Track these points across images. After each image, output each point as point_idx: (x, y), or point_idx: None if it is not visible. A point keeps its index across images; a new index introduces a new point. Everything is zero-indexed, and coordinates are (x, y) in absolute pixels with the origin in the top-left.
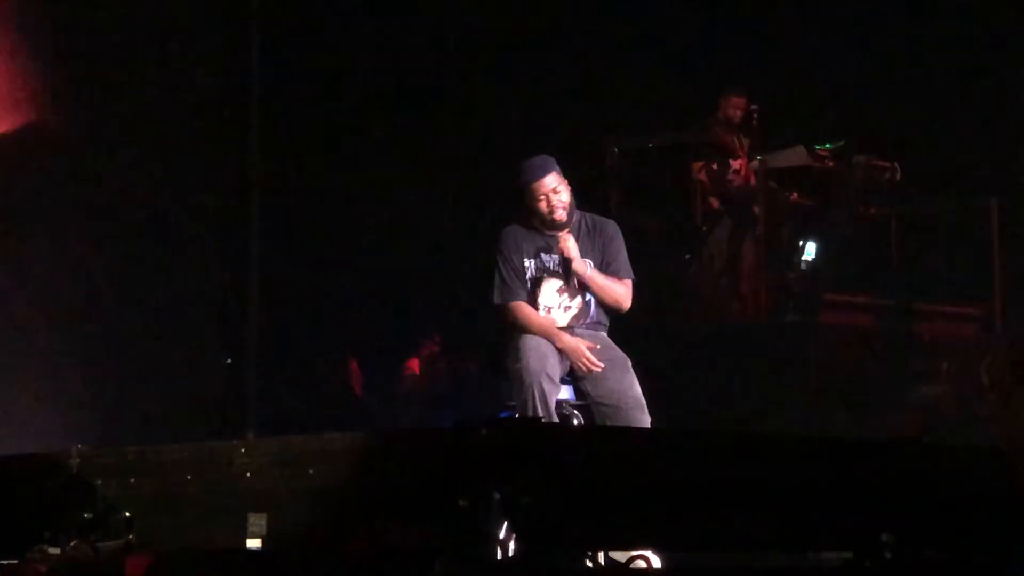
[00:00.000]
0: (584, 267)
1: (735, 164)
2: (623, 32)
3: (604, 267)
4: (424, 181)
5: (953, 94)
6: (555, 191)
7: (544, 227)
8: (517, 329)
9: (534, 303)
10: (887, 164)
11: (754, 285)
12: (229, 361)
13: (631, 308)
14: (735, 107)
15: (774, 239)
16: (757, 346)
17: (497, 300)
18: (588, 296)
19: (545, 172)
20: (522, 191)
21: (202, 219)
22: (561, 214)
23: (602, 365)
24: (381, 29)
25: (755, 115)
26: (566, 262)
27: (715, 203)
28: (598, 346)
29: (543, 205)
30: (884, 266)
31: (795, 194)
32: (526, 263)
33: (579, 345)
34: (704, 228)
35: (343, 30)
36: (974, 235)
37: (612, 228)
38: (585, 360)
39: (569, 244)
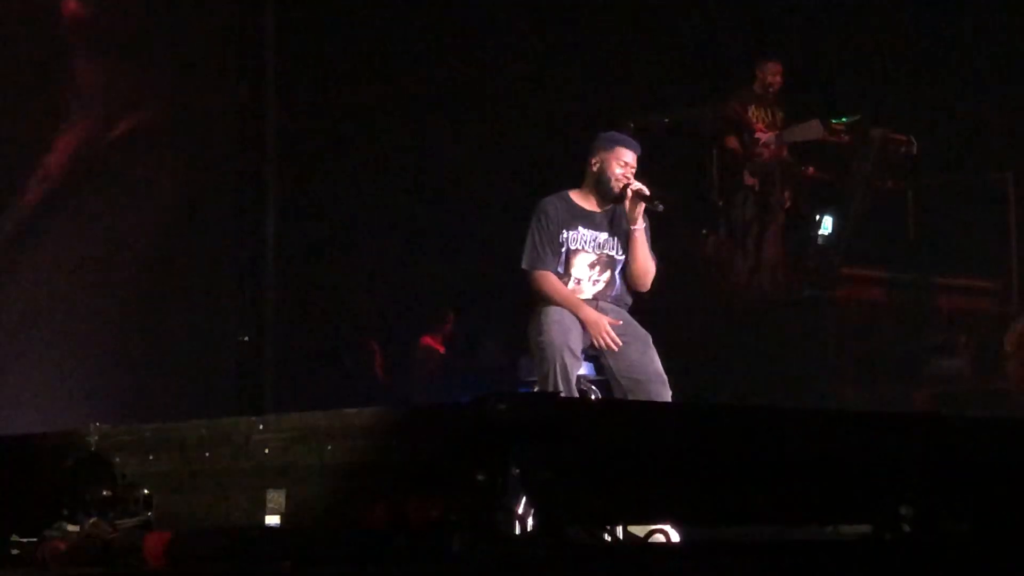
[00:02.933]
0: (642, 222)
1: (764, 137)
2: (638, 9)
3: None
4: (441, 158)
5: (969, 66)
6: (633, 169)
7: (602, 196)
8: (541, 298)
9: (566, 275)
10: (903, 138)
11: (771, 260)
12: (246, 338)
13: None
14: (773, 73)
15: (791, 213)
16: (775, 320)
17: (525, 265)
18: (616, 273)
19: (637, 149)
20: (599, 152)
21: (219, 197)
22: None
23: (620, 343)
24: (396, 8)
25: (771, 88)
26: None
27: (748, 179)
28: (620, 322)
29: (620, 172)
30: (901, 240)
31: (812, 168)
32: (563, 234)
33: (601, 320)
34: (721, 203)
35: (359, 9)
36: (991, 208)
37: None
38: (604, 336)
39: (642, 186)
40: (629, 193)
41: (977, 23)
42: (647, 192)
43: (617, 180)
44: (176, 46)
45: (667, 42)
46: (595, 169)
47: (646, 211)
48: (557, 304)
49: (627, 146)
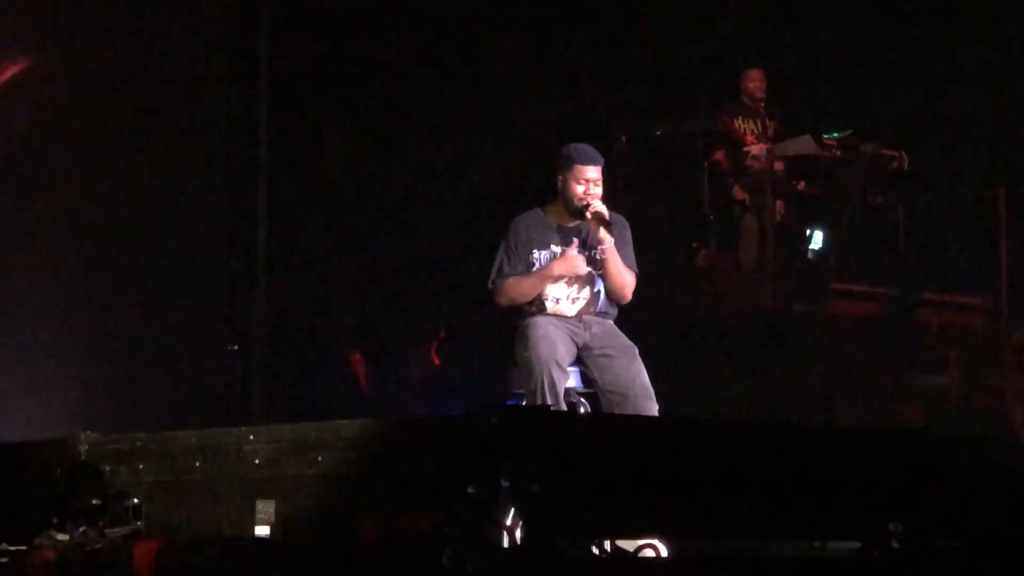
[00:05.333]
0: (610, 239)
1: (754, 150)
2: (631, 22)
3: None
4: (433, 168)
5: (961, 82)
6: (596, 183)
7: (569, 213)
8: (514, 303)
9: (544, 295)
10: (894, 153)
11: (761, 274)
12: (235, 347)
13: (636, 297)
14: (754, 79)
15: (782, 228)
16: (764, 335)
17: (489, 285)
18: (596, 287)
19: (596, 161)
20: (559, 170)
21: (209, 205)
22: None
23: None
24: (390, 10)
25: (763, 103)
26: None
27: (738, 192)
28: (606, 319)
29: (582, 190)
30: (891, 255)
31: (802, 183)
32: (535, 254)
33: (568, 252)
34: (711, 217)
35: (352, 13)
36: (981, 224)
37: (622, 222)
38: (576, 263)
39: (603, 207)
40: (588, 215)
41: (970, 39)
42: (606, 216)
43: (579, 200)
44: (167, 51)
45: (659, 55)
46: (559, 186)
47: (634, 217)
48: (529, 294)
49: (586, 162)
